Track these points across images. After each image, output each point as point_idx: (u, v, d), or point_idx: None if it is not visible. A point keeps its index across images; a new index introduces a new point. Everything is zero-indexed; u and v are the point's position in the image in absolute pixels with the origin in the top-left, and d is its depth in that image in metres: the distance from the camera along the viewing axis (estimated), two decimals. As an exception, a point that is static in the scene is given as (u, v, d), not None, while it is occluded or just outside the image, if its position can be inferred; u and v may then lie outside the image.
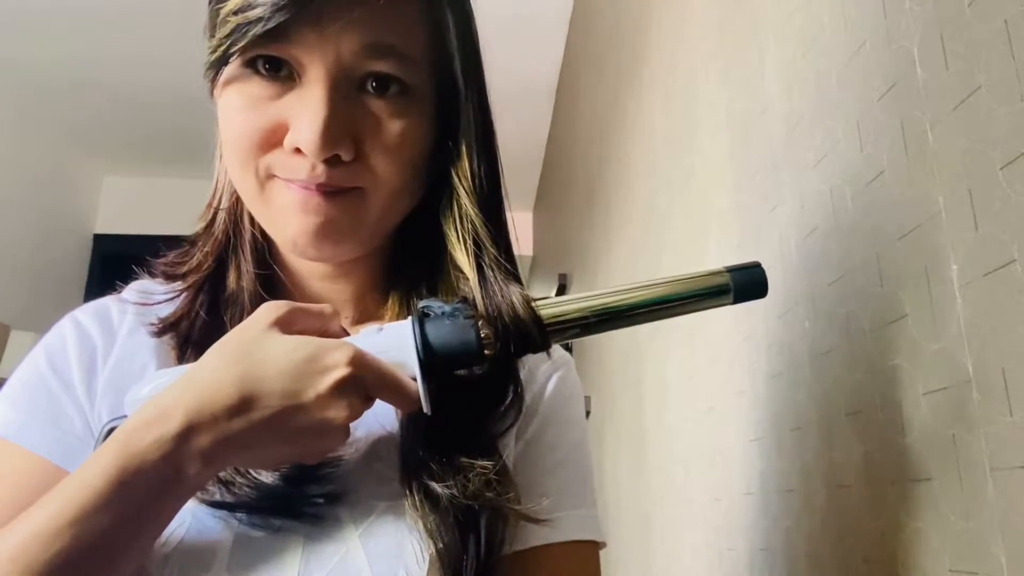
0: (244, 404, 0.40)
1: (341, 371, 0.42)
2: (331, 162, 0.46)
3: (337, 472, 0.48)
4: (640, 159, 1.47)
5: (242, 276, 0.54)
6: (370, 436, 0.51)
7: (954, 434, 0.49)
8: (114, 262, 3.68)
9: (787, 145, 0.75)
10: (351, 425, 0.49)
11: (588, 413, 2.02)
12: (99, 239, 3.68)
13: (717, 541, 0.96)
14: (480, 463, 0.47)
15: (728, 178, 0.93)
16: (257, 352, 0.42)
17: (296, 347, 0.42)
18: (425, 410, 0.45)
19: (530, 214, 4.04)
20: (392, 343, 0.45)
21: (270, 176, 0.48)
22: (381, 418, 0.51)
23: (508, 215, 0.54)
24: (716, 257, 0.98)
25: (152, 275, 0.56)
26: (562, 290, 2.54)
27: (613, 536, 1.67)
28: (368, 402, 0.45)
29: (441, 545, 0.46)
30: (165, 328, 0.52)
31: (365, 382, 0.43)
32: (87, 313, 0.55)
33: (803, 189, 0.71)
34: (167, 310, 0.54)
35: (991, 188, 0.45)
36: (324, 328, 0.46)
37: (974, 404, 0.46)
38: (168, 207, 3.49)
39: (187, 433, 0.40)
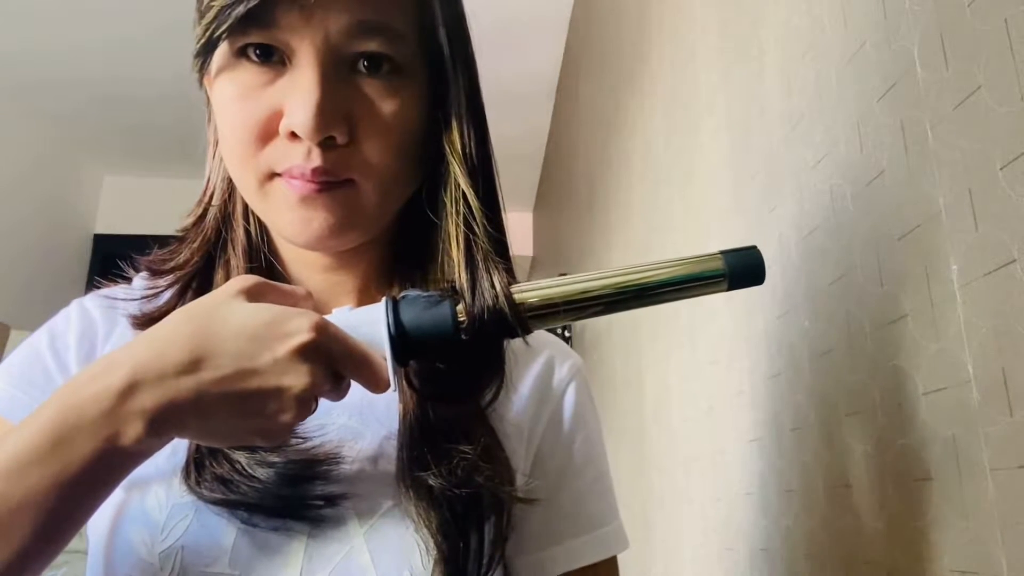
0: (194, 363, 0.38)
1: (303, 336, 0.39)
2: (326, 145, 0.45)
3: (340, 473, 0.48)
4: (640, 159, 1.47)
5: (231, 272, 0.53)
6: (375, 438, 0.50)
7: (954, 434, 0.49)
8: (114, 262, 3.66)
9: (787, 145, 0.75)
10: (359, 433, 0.50)
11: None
12: (99, 239, 3.68)
13: (717, 541, 0.96)
14: (461, 448, 0.47)
15: (728, 178, 0.93)
16: (217, 313, 0.39)
17: (258, 311, 0.40)
18: (392, 388, 0.43)
19: (530, 214, 4.04)
20: (364, 320, 0.43)
21: (270, 175, 0.47)
22: (386, 421, 0.51)
23: (501, 200, 0.52)
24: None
25: (137, 271, 0.56)
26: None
27: (613, 536, 1.67)
28: (337, 380, 0.42)
29: (443, 541, 0.45)
30: (147, 323, 0.51)
31: (330, 353, 0.40)
32: (95, 298, 0.57)
33: (803, 189, 0.71)
34: (151, 305, 0.53)
35: (991, 188, 0.45)
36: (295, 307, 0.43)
37: (974, 404, 0.46)
38: (168, 207, 3.46)
39: (129, 389, 0.37)
